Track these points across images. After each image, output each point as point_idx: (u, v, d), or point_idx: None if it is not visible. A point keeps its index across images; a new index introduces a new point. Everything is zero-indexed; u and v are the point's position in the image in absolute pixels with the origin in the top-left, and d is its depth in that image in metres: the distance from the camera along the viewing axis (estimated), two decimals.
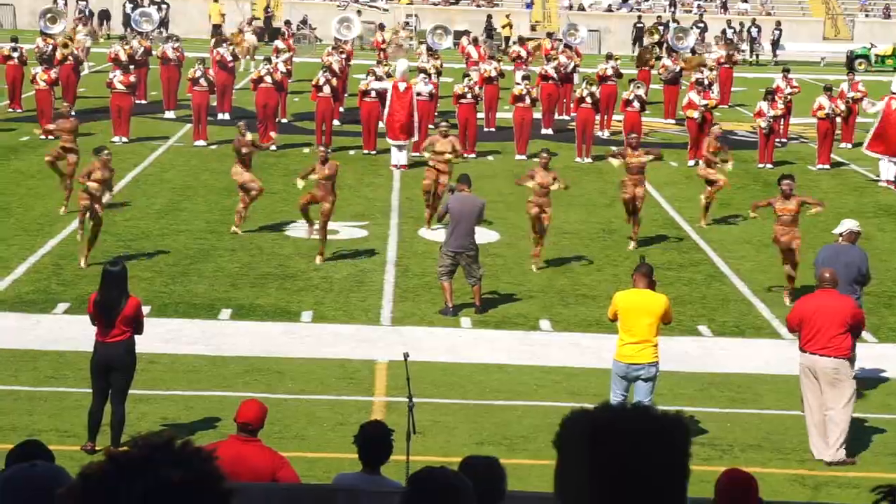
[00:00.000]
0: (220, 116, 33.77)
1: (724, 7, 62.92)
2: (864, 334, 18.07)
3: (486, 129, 33.60)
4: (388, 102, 29.30)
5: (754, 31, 57.15)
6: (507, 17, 56.97)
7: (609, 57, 35.68)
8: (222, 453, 8.86)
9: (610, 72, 34.35)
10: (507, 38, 53.41)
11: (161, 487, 2.32)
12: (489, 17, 56.84)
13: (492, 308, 18.62)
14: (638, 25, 55.04)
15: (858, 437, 14.42)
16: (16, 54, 34.39)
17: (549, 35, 44.45)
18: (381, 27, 45.89)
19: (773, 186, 27.95)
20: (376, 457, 9.11)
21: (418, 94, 30.25)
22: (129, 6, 52.38)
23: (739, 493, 7.70)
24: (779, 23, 57.89)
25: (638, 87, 30.79)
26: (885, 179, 29.24)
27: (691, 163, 30.21)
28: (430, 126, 31.06)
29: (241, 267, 20.23)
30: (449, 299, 18.09)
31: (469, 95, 30.71)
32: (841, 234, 16.13)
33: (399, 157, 29.10)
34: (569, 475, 2.49)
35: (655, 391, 13.58)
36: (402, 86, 29.26)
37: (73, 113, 24.25)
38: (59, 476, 3.94)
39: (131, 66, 34.05)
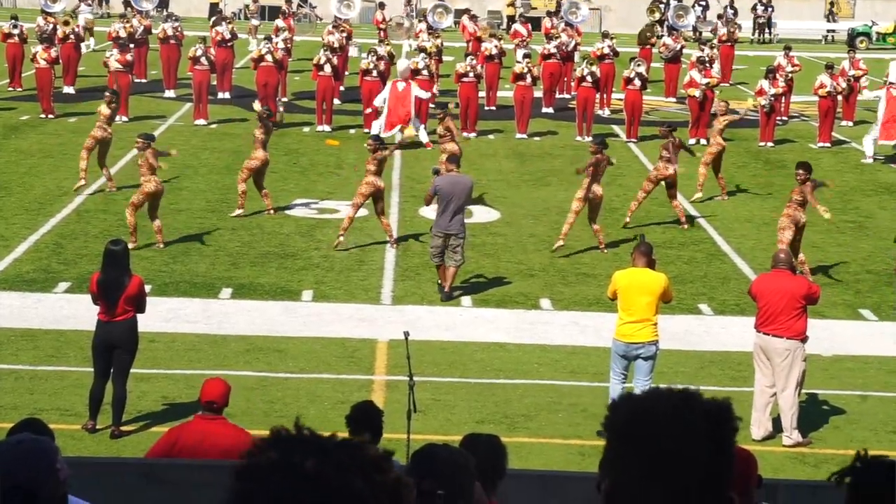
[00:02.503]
0: (220, 95, 33.72)
1: None
2: (865, 312, 18.13)
3: (486, 108, 33.56)
4: (385, 101, 29.02)
5: (760, 8, 56.98)
6: None
7: (605, 35, 35.64)
8: (188, 432, 8.82)
9: (607, 50, 34.32)
10: (511, 17, 53.27)
11: (338, 471, 2.28)
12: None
13: (492, 287, 18.62)
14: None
15: (859, 415, 14.45)
16: (16, 32, 34.31)
17: (550, 14, 44.34)
18: (381, 6, 45.78)
19: (775, 165, 27.99)
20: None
21: (416, 72, 30.22)
22: None
23: (739, 470, 7.70)
24: (769, 0, 57.70)
25: (639, 65, 30.74)
26: (869, 156, 29.24)
27: (692, 141, 30.17)
28: (431, 105, 31.02)
29: (242, 246, 20.22)
30: (443, 279, 18.02)
31: (471, 74, 30.65)
32: None
33: (423, 136, 29.06)
34: (614, 460, 2.50)
35: (656, 369, 13.59)
36: (400, 85, 29.10)
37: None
38: (45, 450, 3.93)
39: (131, 45, 33.94)
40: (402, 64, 30.95)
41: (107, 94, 24.02)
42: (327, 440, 2.32)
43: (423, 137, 29.08)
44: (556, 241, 20.24)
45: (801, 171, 19.04)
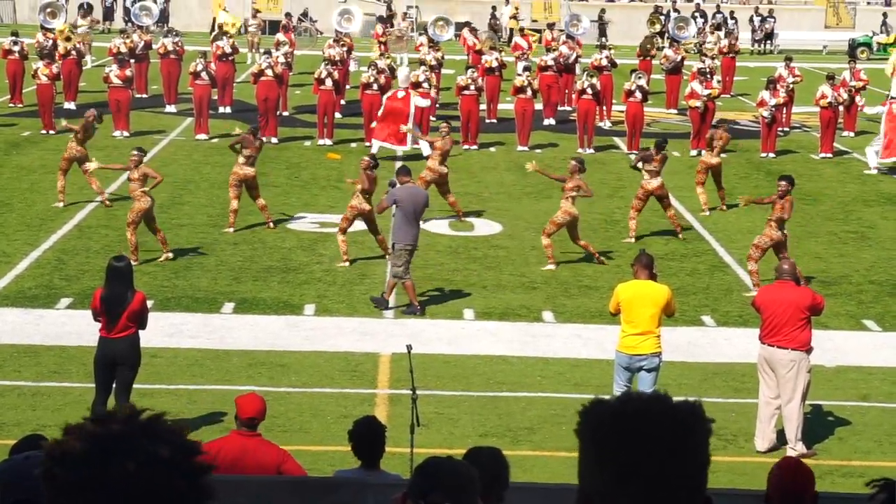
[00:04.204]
0: (221, 110, 33.74)
1: None
2: (868, 323, 18.10)
3: (487, 121, 33.55)
4: (382, 105, 29.02)
5: (756, 20, 57.08)
6: (516, 8, 56.84)
7: (602, 47, 35.66)
8: (227, 449, 8.84)
9: (605, 62, 34.35)
10: (513, 31, 53.33)
11: (151, 464, 2.29)
12: (493, 8, 56.75)
13: (495, 300, 18.60)
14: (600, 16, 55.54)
15: (863, 426, 14.41)
16: (16, 48, 34.35)
17: (550, 26, 44.41)
18: (381, 19, 45.82)
19: (776, 176, 27.95)
20: (371, 454, 9.09)
21: (417, 84, 30.22)
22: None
23: (785, 481, 7.52)
24: (771, 11, 57.82)
25: (639, 78, 30.76)
26: (873, 167, 29.23)
27: (693, 152, 30.18)
28: (432, 117, 31.05)
29: (244, 260, 20.20)
30: (414, 298, 17.86)
31: (472, 87, 30.67)
32: None
33: (425, 148, 29.08)
34: (588, 465, 2.50)
35: (659, 381, 13.56)
36: (400, 93, 29.09)
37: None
38: None
39: (131, 60, 33.96)
40: (402, 73, 30.93)
41: (91, 111, 24.01)
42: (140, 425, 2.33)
43: (426, 150, 29.05)
44: (547, 264, 20.20)
45: (783, 183, 19.00)
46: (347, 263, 19.93)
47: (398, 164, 28.34)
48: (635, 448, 2.44)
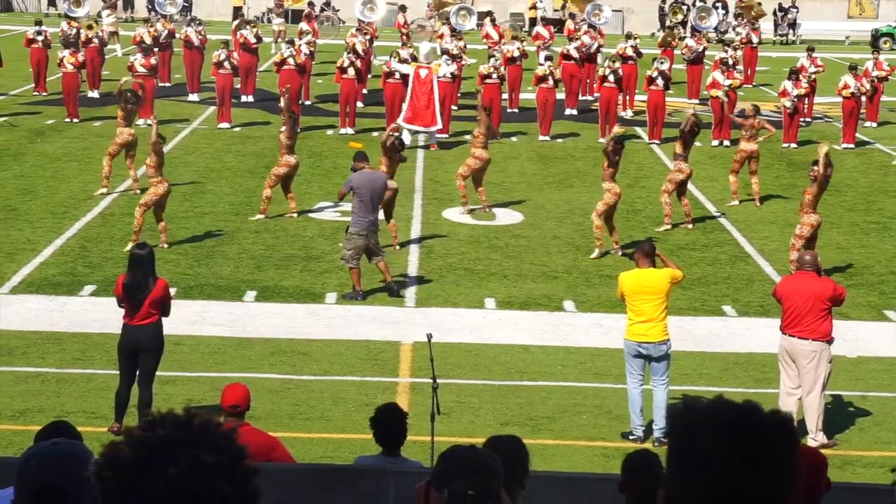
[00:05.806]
0: (244, 99, 33.81)
1: None
2: (889, 313, 18.08)
3: (509, 110, 33.54)
4: (409, 88, 29.21)
5: (780, 14, 56.90)
6: None
7: (628, 36, 35.62)
8: None
9: (630, 52, 34.29)
10: (533, 20, 53.27)
11: (193, 470, 2.34)
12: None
13: (516, 289, 18.63)
14: (661, 4, 55.06)
15: (884, 416, 14.41)
16: (40, 38, 34.47)
17: (572, 16, 44.35)
18: (403, 9, 45.79)
19: (798, 167, 27.90)
20: (392, 440, 9.15)
21: (441, 75, 30.24)
22: None
23: (808, 470, 7.56)
24: (793, 1, 57.64)
25: (661, 63, 30.67)
26: None
27: (715, 143, 30.14)
28: (454, 107, 31.07)
29: (266, 249, 20.28)
30: (358, 283, 17.89)
31: (494, 76, 30.65)
32: None
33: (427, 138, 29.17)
34: (673, 467, 2.52)
35: (679, 371, 13.58)
36: (423, 72, 29.17)
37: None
38: (79, 453, 3.99)
39: (155, 49, 34.05)
40: (424, 48, 30.92)
41: (127, 93, 24.03)
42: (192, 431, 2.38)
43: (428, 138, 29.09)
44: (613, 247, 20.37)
45: (815, 168, 18.94)
46: (397, 247, 20.21)
47: (421, 141, 28.48)
48: (723, 456, 2.46)
